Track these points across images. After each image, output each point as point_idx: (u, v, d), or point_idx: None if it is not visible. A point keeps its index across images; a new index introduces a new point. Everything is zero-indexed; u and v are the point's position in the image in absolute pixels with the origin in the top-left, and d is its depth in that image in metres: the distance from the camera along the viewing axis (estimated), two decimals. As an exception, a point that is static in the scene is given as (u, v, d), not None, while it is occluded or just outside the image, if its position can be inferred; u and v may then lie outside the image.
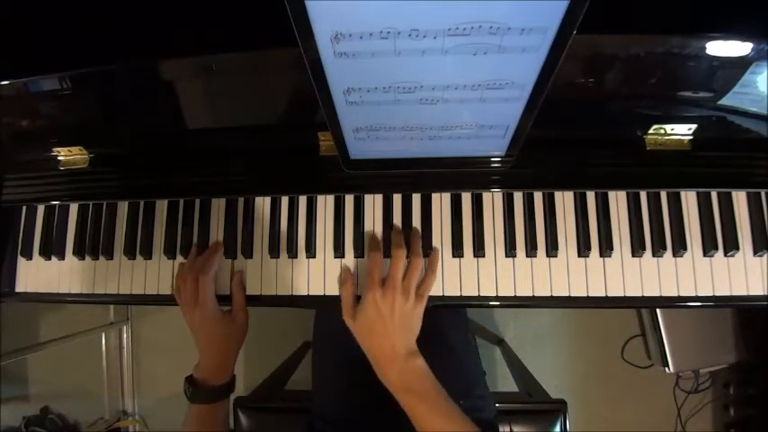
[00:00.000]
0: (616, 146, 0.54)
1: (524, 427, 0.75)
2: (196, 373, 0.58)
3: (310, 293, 0.59)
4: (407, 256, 0.54)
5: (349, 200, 0.60)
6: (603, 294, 0.56)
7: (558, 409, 0.76)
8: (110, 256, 0.64)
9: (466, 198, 0.59)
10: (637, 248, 0.56)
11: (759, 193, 0.56)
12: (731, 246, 0.55)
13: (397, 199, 0.60)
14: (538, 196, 0.58)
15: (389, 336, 0.48)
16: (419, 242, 0.56)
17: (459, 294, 0.57)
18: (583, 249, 0.57)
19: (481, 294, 0.57)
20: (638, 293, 0.56)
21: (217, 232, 0.62)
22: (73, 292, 0.65)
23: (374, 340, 0.50)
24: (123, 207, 0.65)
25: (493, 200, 0.59)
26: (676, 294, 0.55)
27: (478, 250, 0.58)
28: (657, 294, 0.56)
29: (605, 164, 0.54)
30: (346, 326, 0.74)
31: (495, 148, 0.48)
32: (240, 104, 0.54)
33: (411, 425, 0.66)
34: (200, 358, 0.58)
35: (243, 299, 0.60)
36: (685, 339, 1.21)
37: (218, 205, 0.63)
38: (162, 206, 0.64)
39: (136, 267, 0.64)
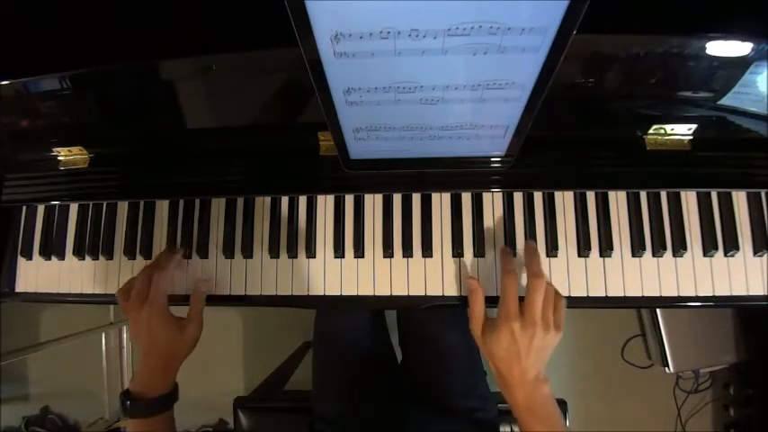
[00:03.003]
0: (616, 146, 0.54)
1: (524, 427, 0.75)
2: (132, 385, 0.54)
3: (310, 293, 0.59)
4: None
5: (349, 200, 0.60)
6: (603, 294, 0.56)
7: (557, 409, 0.75)
8: (110, 256, 0.64)
9: (466, 198, 0.59)
10: (637, 248, 0.56)
11: (759, 193, 0.56)
12: (731, 246, 0.55)
13: (397, 199, 0.60)
14: (538, 196, 0.58)
15: (521, 363, 0.47)
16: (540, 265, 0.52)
17: (458, 294, 0.57)
18: (583, 249, 0.57)
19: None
20: (638, 293, 0.56)
21: (217, 232, 0.62)
22: (73, 292, 0.65)
23: (504, 363, 0.48)
24: (123, 207, 0.65)
25: (493, 200, 0.59)
26: (676, 294, 0.55)
27: (478, 250, 0.58)
28: (657, 294, 0.56)
29: (605, 164, 0.55)
30: (346, 326, 0.74)
31: (494, 148, 0.48)
32: (240, 104, 0.54)
33: (410, 425, 0.67)
34: (139, 366, 0.55)
35: (200, 310, 0.57)
36: (685, 339, 1.21)
37: (218, 205, 0.63)
38: (162, 206, 0.64)
39: (136, 267, 0.63)
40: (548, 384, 0.48)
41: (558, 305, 0.49)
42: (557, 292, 0.50)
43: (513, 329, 0.47)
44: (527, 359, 0.47)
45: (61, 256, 0.66)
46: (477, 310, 0.52)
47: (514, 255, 0.57)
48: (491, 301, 0.54)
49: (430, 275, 0.58)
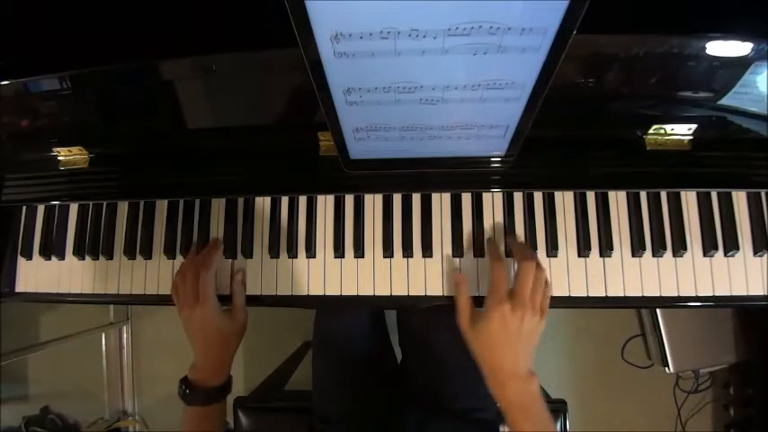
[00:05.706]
0: (616, 146, 0.54)
1: (524, 427, 0.75)
2: (191, 374, 0.56)
3: (310, 293, 0.59)
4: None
5: (349, 200, 0.60)
6: (603, 294, 0.56)
7: (557, 409, 0.76)
8: (110, 256, 0.64)
9: (466, 198, 0.59)
10: (637, 248, 0.56)
11: (759, 193, 0.56)
12: (731, 246, 0.55)
13: (397, 199, 0.60)
14: (538, 196, 0.58)
15: (512, 352, 0.47)
16: (533, 252, 0.53)
17: (459, 294, 0.57)
18: (583, 249, 0.57)
19: (481, 294, 0.57)
20: (638, 293, 0.56)
21: (217, 232, 0.62)
22: (73, 292, 0.65)
23: (495, 353, 0.48)
24: (123, 207, 0.65)
25: (493, 200, 0.59)
26: (676, 294, 0.55)
27: (478, 250, 0.57)
28: (657, 294, 0.56)
29: (605, 164, 0.54)
30: (346, 327, 0.74)
31: (495, 148, 0.48)
32: (240, 104, 0.54)
33: (410, 425, 0.67)
34: (196, 359, 0.57)
35: (243, 298, 0.60)
36: (685, 339, 1.21)
37: (218, 205, 0.63)
38: (162, 206, 0.64)
39: (136, 267, 0.64)
40: (536, 380, 0.48)
41: (545, 292, 0.50)
42: (546, 280, 0.51)
43: (504, 311, 0.47)
44: (518, 344, 0.47)
45: (61, 257, 0.66)
46: (463, 301, 0.53)
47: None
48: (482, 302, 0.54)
49: (430, 275, 0.58)
